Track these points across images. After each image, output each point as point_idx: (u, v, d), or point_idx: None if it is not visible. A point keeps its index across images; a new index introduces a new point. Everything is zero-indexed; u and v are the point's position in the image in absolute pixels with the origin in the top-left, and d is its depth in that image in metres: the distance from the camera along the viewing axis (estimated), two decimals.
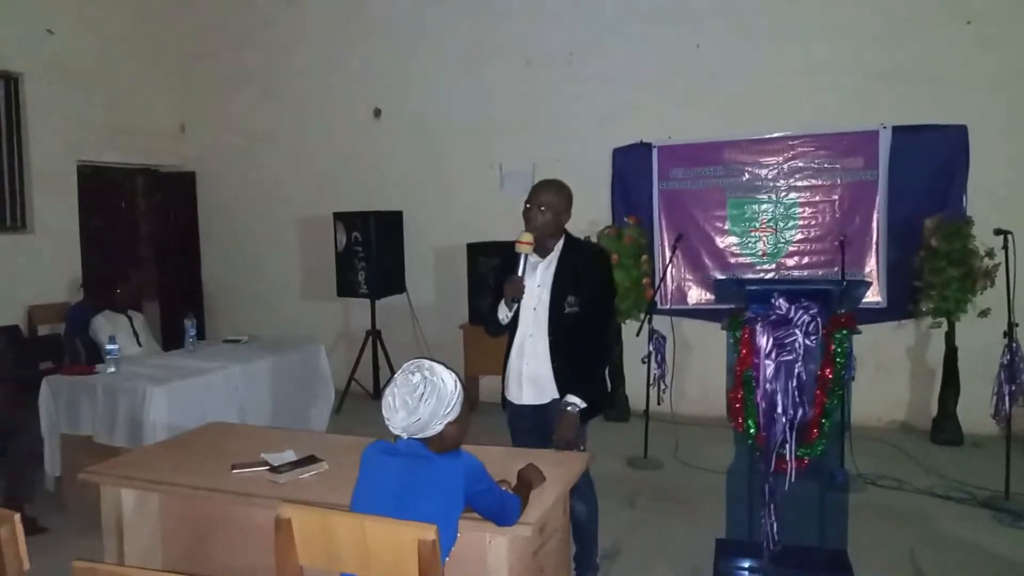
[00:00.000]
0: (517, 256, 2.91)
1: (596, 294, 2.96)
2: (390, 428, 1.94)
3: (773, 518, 2.88)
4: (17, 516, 1.83)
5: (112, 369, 4.18)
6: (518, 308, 3.00)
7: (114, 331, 4.56)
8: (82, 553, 2.34)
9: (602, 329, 3.01)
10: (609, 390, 3.32)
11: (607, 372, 3.14)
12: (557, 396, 2.95)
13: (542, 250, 3.00)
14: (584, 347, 2.93)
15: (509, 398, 3.10)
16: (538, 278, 2.99)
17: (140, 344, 4.92)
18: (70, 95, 6.41)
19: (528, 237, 2.91)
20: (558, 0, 6.32)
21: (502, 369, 3.14)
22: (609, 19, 6.17)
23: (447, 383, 1.93)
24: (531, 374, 3.00)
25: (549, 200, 2.95)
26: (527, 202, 2.99)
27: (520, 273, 2.91)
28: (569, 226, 3.07)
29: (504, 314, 3.01)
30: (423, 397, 1.89)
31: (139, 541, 2.63)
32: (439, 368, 1.95)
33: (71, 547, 3.44)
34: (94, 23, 6.66)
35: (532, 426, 3.05)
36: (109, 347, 4.25)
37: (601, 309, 3.00)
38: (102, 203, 7.13)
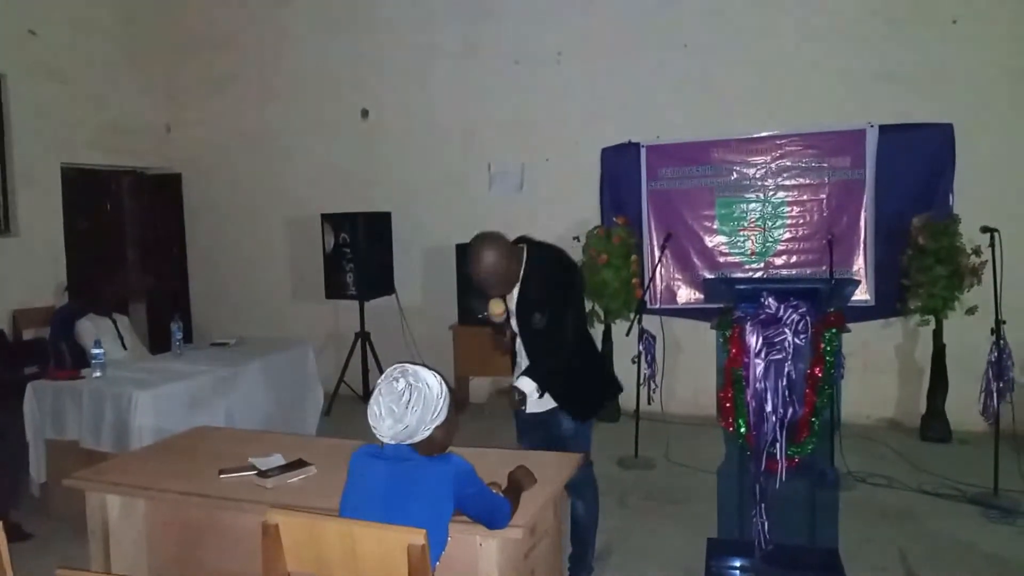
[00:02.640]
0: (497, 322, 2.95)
1: (557, 296, 2.91)
2: (377, 436, 1.92)
3: (764, 517, 2.88)
4: (0, 523, 1.81)
5: (98, 373, 4.14)
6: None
7: (99, 334, 4.51)
8: (67, 560, 2.31)
9: (567, 329, 2.94)
10: (606, 384, 3.34)
11: (601, 370, 3.15)
12: (555, 405, 3.00)
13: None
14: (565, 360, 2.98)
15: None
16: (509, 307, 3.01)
17: (126, 347, 4.88)
18: (54, 96, 6.35)
19: (499, 306, 2.92)
20: (547, 0, 6.32)
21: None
22: (598, 19, 6.17)
23: (432, 387, 1.90)
24: (525, 387, 3.00)
25: (493, 266, 2.81)
26: (472, 273, 2.85)
27: (507, 333, 2.99)
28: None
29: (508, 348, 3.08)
30: (409, 404, 1.85)
31: (125, 547, 2.60)
32: (422, 371, 1.92)
33: (56, 554, 3.42)
34: (78, 23, 6.59)
35: (536, 427, 3.10)
36: (95, 351, 4.21)
37: (565, 305, 2.94)
38: (87, 205, 7.07)
